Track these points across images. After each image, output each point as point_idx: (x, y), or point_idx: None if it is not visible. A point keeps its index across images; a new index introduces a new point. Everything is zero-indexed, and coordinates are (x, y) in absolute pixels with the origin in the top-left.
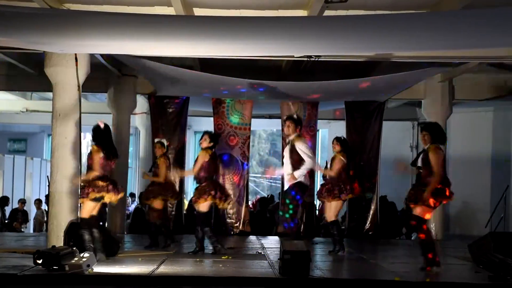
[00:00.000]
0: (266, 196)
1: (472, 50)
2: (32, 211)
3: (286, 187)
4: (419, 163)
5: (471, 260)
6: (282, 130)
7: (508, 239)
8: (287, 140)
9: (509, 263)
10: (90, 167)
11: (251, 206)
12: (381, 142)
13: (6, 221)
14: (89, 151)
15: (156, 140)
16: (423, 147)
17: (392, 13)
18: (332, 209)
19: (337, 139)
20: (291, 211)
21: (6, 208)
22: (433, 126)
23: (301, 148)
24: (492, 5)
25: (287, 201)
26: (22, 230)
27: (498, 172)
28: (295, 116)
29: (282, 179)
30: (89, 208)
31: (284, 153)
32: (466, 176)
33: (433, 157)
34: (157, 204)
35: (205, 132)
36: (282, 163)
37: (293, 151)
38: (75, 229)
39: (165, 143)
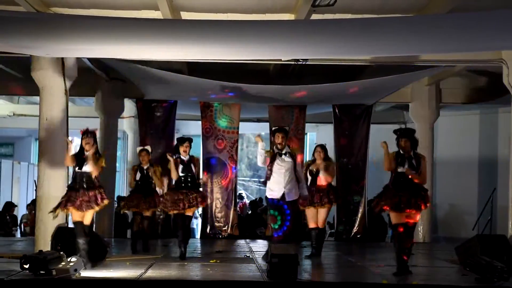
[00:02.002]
0: (255, 199)
1: (459, 54)
2: (19, 215)
3: (287, 198)
4: (403, 169)
5: (458, 262)
6: (270, 134)
7: (495, 242)
8: (280, 151)
9: (496, 266)
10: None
11: (241, 205)
12: (369, 145)
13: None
14: (93, 159)
15: (139, 148)
16: (403, 153)
17: (379, 16)
18: (323, 216)
19: (322, 147)
20: (279, 223)
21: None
22: (412, 133)
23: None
24: (478, 9)
25: (276, 213)
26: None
27: (485, 174)
28: (287, 128)
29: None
30: (92, 215)
31: (280, 164)
32: (453, 179)
33: (424, 166)
34: (150, 212)
35: (186, 140)
36: (269, 176)
37: (295, 163)
38: (69, 236)
39: (149, 149)
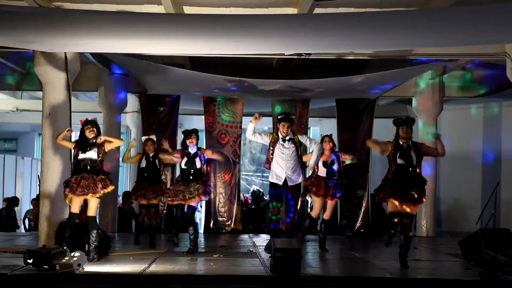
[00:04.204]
0: (254, 191)
1: (462, 47)
2: (23, 210)
3: (289, 184)
4: (403, 161)
5: (462, 256)
6: (273, 128)
7: (498, 236)
8: (284, 139)
9: (500, 260)
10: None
11: (246, 198)
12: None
13: (14, 221)
14: (100, 145)
15: (144, 138)
16: (403, 144)
17: (382, 10)
18: (332, 208)
19: (330, 137)
20: (279, 216)
21: (16, 208)
22: (412, 122)
23: (306, 139)
24: (482, 2)
25: (279, 204)
26: None
27: (489, 168)
28: (293, 116)
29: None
30: (97, 206)
31: (282, 150)
32: (457, 173)
33: (428, 147)
34: (156, 200)
35: (191, 131)
36: (270, 160)
37: (298, 149)
38: (81, 229)
39: (155, 138)
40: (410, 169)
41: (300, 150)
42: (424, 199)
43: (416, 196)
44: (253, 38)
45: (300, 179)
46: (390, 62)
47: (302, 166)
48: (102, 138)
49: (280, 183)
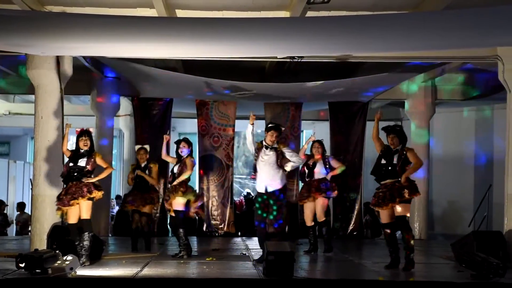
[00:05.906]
0: (246, 194)
1: (454, 50)
2: (15, 214)
3: (269, 190)
4: (384, 161)
5: (454, 259)
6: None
7: (490, 238)
8: (267, 147)
9: (492, 262)
10: (90, 171)
11: (238, 202)
12: (365, 142)
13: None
14: (91, 156)
15: (137, 147)
16: (391, 149)
17: (374, 14)
18: (320, 209)
19: (320, 142)
20: (275, 212)
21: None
22: (399, 129)
23: (289, 151)
24: (473, 5)
25: (271, 201)
26: None
27: (481, 171)
28: (283, 128)
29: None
30: (88, 208)
31: (263, 157)
32: (449, 176)
33: (414, 155)
34: (147, 209)
35: (182, 140)
36: (255, 170)
37: (282, 157)
38: (64, 234)
39: (148, 148)
40: (390, 168)
41: (281, 158)
42: (400, 199)
43: (388, 198)
44: (245, 41)
45: (280, 185)
46: (382, 65)
47: (283, 172)
48: (97, 159)
49: (262, 191)
